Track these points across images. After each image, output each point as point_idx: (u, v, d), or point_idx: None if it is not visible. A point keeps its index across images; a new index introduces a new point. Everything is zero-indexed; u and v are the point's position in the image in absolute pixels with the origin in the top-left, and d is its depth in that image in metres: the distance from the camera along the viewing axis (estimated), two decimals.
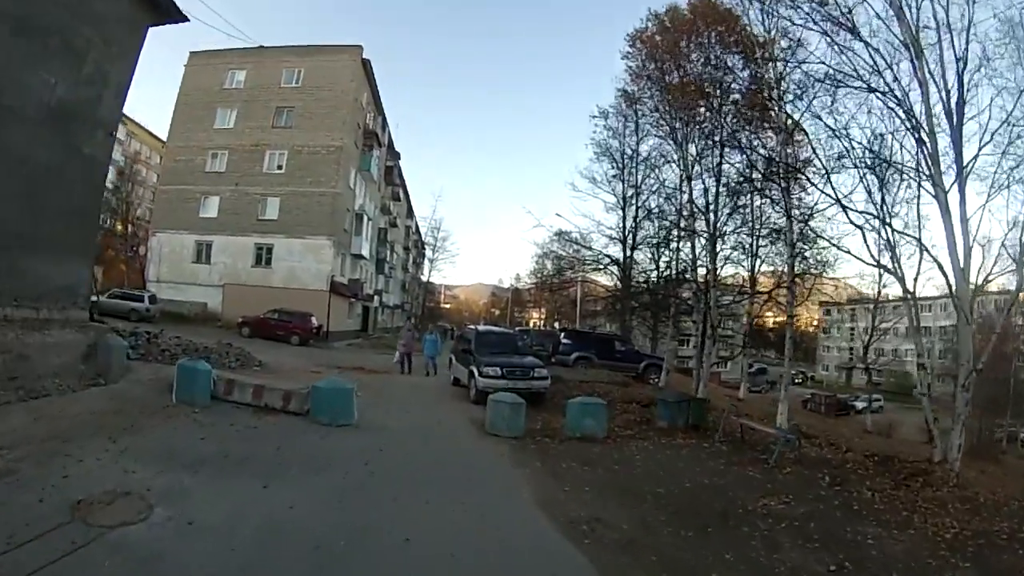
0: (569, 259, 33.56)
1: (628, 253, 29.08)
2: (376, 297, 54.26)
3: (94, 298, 31.56)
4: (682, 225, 21.60)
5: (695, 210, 20.59)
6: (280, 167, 38.30)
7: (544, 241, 51.22)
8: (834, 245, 16.27)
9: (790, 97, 16.00)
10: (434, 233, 74.32)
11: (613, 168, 29.49)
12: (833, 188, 13.76)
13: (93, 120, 12.83)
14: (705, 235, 20.14)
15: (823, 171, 14.28)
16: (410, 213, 75.98)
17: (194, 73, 39.97)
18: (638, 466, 10.57)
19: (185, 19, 14.70)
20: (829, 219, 16.43)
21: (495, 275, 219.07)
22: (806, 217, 16.94)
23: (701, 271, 21.15)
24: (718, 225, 19.87)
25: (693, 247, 21.13)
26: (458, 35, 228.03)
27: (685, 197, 21.34)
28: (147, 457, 7.83)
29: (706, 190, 20.12)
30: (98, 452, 7.74)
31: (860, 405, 43.98)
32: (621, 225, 29.55)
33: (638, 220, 28.21)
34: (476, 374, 16.22)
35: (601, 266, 31.02)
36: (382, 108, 47.59)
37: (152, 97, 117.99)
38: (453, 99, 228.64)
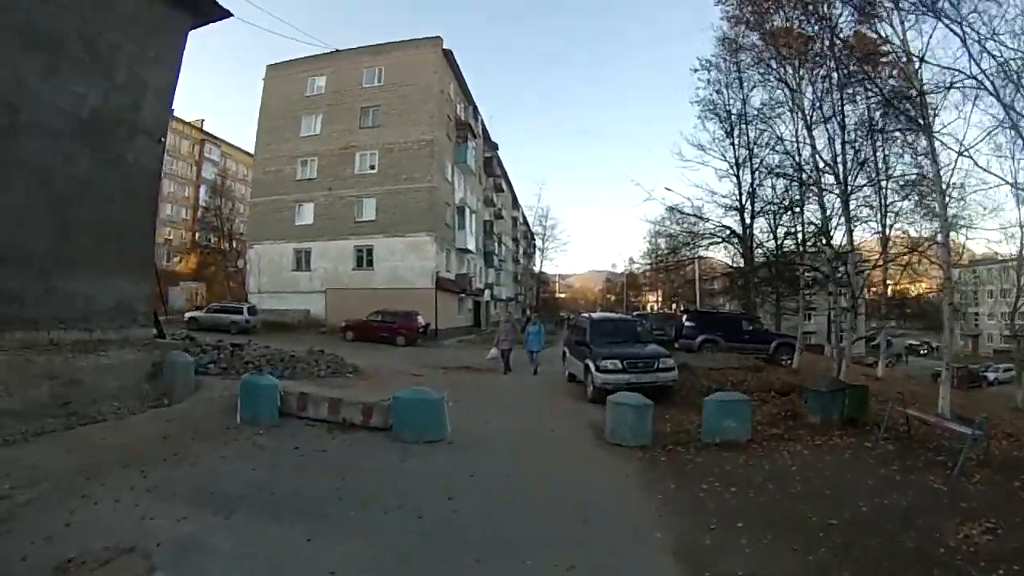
0: (684, 235, 30.68)
1: (747, 223, 26.25)
2: (487, 291, 52.80)
3: (196, 314, 32.70)
4: (808, 181, 18.62)
5: (821, 163, 17.56)
6: (372, 167, 37.60)
7: (656, 219, 48.66)
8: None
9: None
10: (542, 222, 73.20)
11: (721, 129, 26.53)
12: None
13: (133, 127, 12.01)
14: (836, 191, 17.14)
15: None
16: (515, 204, 74.79)
17: (274, 85, 40.40)
18: (796, 483, 7.90)
19: (228, 14, 13.74)
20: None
21: (608, 261, 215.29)
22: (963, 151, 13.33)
23: (836, 237, 18.19)
24: (848, 179, 16.89)
25: (822, 206, 18.08)
26: (533, 15, 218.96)
27: (807, 152, 18.40)
28: (177, 496, 6.48)
29: (831, 140, 16.98)
30: (121, 490, 6.50)
31: (991, 376, 40.64)
32: (737, 193, 26.68)
33: (755, 185, 25.37)
34: (592, 369, 14.07)
35: (719, 239, 28.15)
36: (471, 98, 46.16)
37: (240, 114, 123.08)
38: (543, 83, 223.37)
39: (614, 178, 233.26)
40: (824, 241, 18.17)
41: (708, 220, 27.73)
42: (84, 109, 10.79)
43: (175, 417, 9.97)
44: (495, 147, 56.84)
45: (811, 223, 20.46)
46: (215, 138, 72.14)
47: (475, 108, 47.59)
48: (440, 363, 21.23)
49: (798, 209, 21.19)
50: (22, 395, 9.30)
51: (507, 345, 20.01)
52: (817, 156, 17.55)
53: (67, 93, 10.51)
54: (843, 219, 17.22)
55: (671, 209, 29.48)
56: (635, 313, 41.01)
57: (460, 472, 7.91)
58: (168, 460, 7.69)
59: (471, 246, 43.63)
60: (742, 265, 28.10)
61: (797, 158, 19.34)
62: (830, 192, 17.57)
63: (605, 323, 17.50)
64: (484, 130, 52.18)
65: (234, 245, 56.07)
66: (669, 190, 47.76)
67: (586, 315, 21.18)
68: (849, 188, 16.90)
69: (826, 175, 17.39)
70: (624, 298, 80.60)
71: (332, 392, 11.21)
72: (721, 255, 32.58)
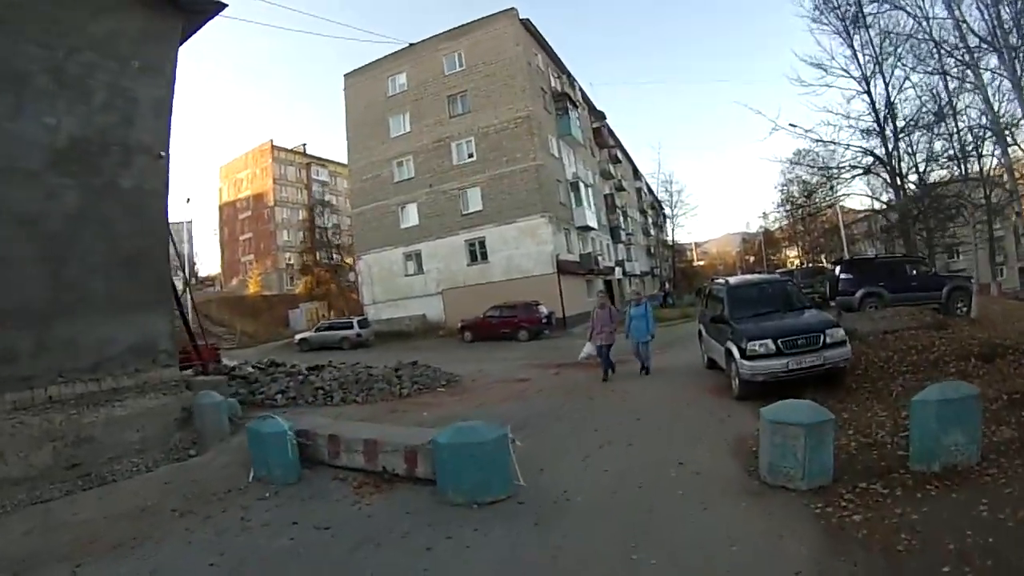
0: (818, 174, 26.33)
1: (892, 143, 21.72)
2: (617, 268, 49.44)
3: (305, 335, 32.57)
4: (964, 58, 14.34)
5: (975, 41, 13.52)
6: (471, 155, 35.63)
7: (785, 160, 43.73)
8: None
9: None
10: (667, 187, 69.66)
11: (839, 34, 21.90)
12: None
13: (126, 147, 10.33)
14: (1005, 72, 13.12)
15: None
16: (636, 174, 71.21)
17: (355, 92, 39.67)
18: None
19: (221, 5, 11.96)
20: None
21: (741, 221, 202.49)
22: None
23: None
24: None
25: (986, 96, 14.05)
26: None
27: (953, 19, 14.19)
28: None
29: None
30: None
31: None
32: (872, 111, 22.00)
33: (891, 88, 20.87)
34: (736, 354, 10.41)
35: (860, 170, 23.32)
36: (564, 67, 43.08)
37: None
38: (637, 39, 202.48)
39: (735, 128, 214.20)
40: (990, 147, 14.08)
41: (846, 146, 23.18)
42: (60, 139, 9.36)
43: (182, 476, 8.28)
44: (602, 116, 53.32)
45: (974, 124, 16.29)
46: (320, 159, 73.57)
47: (570, 77, 44.51)
48: (560, 357, 18.74)
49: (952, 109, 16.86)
50: (21, 460, 8.23)
51: (605, 339, 14.18)
52: (964, 24, 13.47)
53: (38, 126, 9.19)
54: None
55: (799, 153, 25.46)
56: (778, 272, 36.01)
57: (528, 572, 4.99)
58: (119, 549, 5.90)
59: (592, 223, 40.62)
60: (891, 200, 23.71)
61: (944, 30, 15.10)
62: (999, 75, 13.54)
63: (747, 289, 13.18)
64: (585, 99, 49.00)
65: (343, 259, 57.17)
66: (794, 126, 42.36)
67: (722, 280, 15.16)
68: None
69: (987, 55, 13.43)
70: (763, 256, 75.38)
71: (379, 428, 8.81)
72: (860, 192, 28.05)
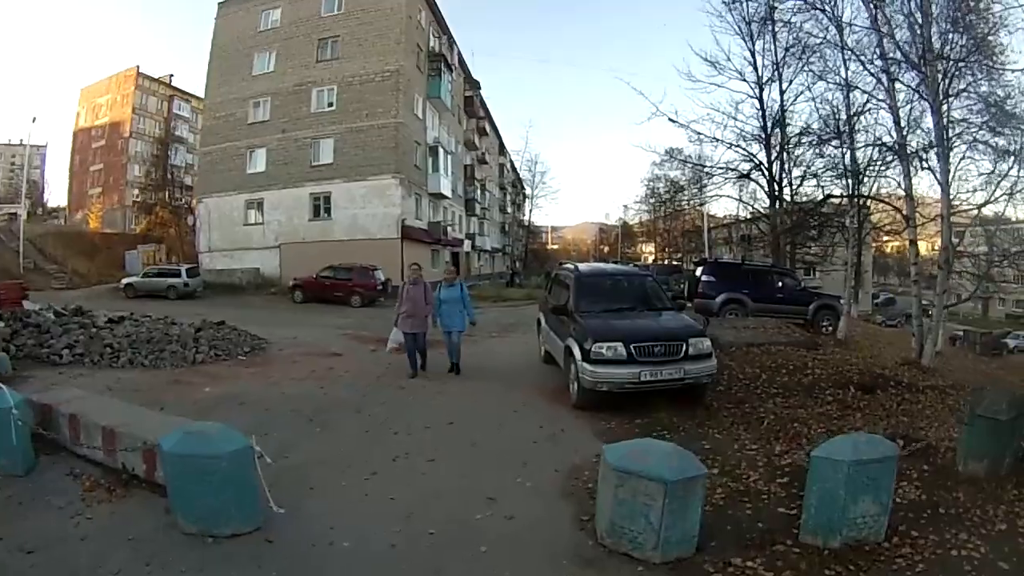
0: (692, 172, 25.56)
1: (776, 152, 21.19)
2: (467, 241, 48.73)
3: (131, 280, 29.37)
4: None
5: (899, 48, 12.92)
6: (331, 104, 33.32)
7: (655, 160, 43.95)
8: None
9: None
10: (531, 167, 69.00)
11: (741, 36, 20.73)
12: None
13: None
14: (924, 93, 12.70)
15: None
16: (502, 150, 69.92)
17: (226, 24, 36.44)
18: None
19: None
20: None
21: (601, 212, 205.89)
22: None
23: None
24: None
25: (897, 122, 13.56)
26: None
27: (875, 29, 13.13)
28: None
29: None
30: None
31: (1012, 343, 36.95)
32: (760, 118, 21.26)
33: (787, 97, 20.47)
34: (578, 355, 8.58)
35: (736, 173, 21.89)
36: (447, 28, 41.14)
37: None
38: (536, 16, 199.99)
39: (608, 118, 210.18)
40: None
41: (728, 145, 21.40)
42: None
43: None
44: (477, 85, 51.85)
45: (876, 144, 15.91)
46: (185, 93, 68.60)
47: (451, 39, 42.74)
48: (386, 330, 17.31)
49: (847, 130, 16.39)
50: None
51: (414, 325, 10.82)
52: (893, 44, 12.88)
53: None
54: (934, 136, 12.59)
55: (670, 153, 24.70)
56: (633, 265, 34.97)
57: None
58: None
59: (447, 191, 39.26)
60: (765, 209, 22.89)
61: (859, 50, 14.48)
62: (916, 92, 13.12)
63: (599, 279, 11.23)
64: (463, 65, 47.44)
65: (192, 202, 53.44)
66: (674, 121, 41.83)
67: (571, 265, 13.11)
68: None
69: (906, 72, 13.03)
70: (619, 248, 76.50)
71: (129, 411, 6.58)
72: (731, 196, 28.03)
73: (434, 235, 36.37)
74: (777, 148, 21.09)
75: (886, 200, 16.59)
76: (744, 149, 21.16)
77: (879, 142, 15.34)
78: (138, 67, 65.91)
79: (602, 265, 17.70)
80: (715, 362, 8.91)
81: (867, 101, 14.76)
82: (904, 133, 13.14)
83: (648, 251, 74.80)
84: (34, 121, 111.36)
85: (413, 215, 33.71)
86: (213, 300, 26.80)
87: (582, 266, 12.62)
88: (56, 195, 77.41)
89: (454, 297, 11.17)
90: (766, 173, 21.25)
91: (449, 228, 40.30)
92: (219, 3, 37.06)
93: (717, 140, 20.51)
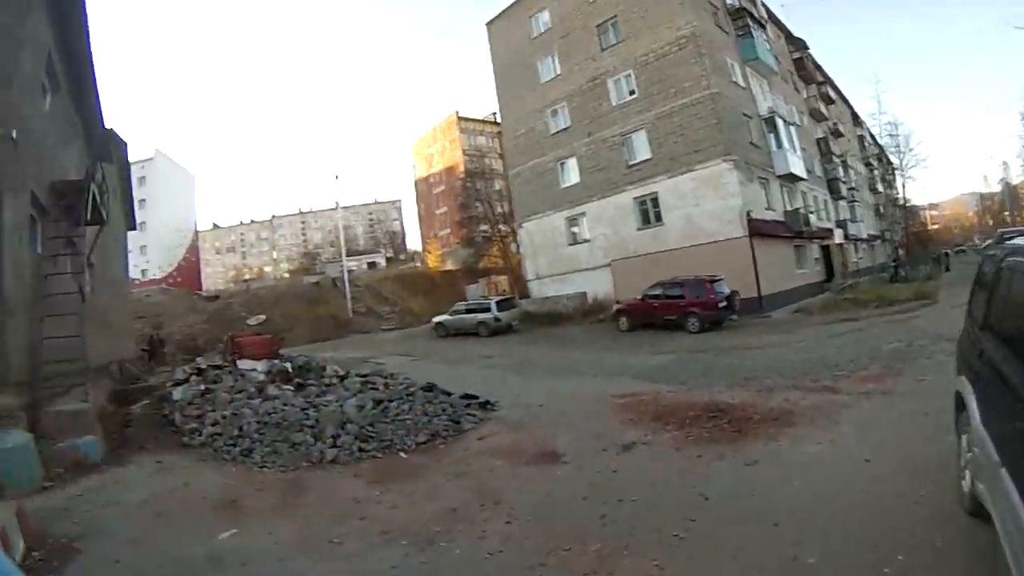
0: None
1: None
2: (839, 230, 39.35)
3: (442, 318, 27.60)
4: None
5: None
6: (632, 92, 28.85)
7: None
8: None
9: None
10: (890, 132, 56.40)
11: None
12: None
13: None
14: None
15: None
16: (856, 119, 58.03)
17: (500, 41, 35.96)
18: None
19: None
20: None
21: (975, 179, 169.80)
22: None
23: None
24: None
25: None
26: None
27: None
28: None
29: None
30: None
31: None
32: None
33: None
34: None
35: None
36: None
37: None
38: None
39: (973, 72, 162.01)
40: None
41: None
42: None
43: None
44: (804, 45, 43.15)
45: None
46: (473, 120, 74.29)
47: None
48: (740, 372, 11.95)
49: None
50: None
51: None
52: None
53: None
54: None
55: None
56: None
57: None
58: None
59: (799, 171, 31.55)
60: None
61: None
62: None
63: None
64: (775, 21, 39.56)
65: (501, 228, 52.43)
66: None
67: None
68: None
69: None
70: (1011, 215, 61.13)
71: None
72: None
73: (793, 227, 29.20)
74: None
75: None
76: None
77: None
78: (456, 112, 72.55)
79: None
80: None
81: None
82: None
83: None
84: (336, 179, 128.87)
85: (762, 204, 27.28)
86: (529, 334, 24.74)
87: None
88: (412, 241, 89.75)
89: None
90: None
91: (811, 216, 32.45)
92: (487, 24, 36.54)
93: None
